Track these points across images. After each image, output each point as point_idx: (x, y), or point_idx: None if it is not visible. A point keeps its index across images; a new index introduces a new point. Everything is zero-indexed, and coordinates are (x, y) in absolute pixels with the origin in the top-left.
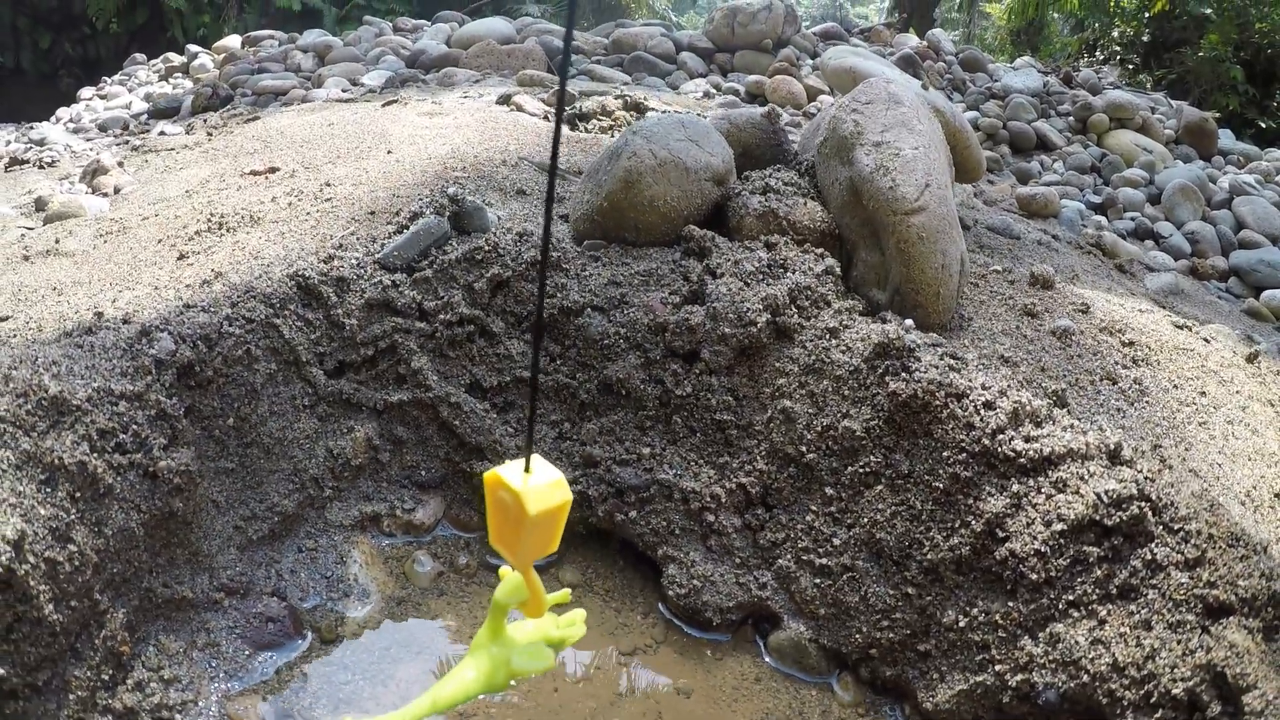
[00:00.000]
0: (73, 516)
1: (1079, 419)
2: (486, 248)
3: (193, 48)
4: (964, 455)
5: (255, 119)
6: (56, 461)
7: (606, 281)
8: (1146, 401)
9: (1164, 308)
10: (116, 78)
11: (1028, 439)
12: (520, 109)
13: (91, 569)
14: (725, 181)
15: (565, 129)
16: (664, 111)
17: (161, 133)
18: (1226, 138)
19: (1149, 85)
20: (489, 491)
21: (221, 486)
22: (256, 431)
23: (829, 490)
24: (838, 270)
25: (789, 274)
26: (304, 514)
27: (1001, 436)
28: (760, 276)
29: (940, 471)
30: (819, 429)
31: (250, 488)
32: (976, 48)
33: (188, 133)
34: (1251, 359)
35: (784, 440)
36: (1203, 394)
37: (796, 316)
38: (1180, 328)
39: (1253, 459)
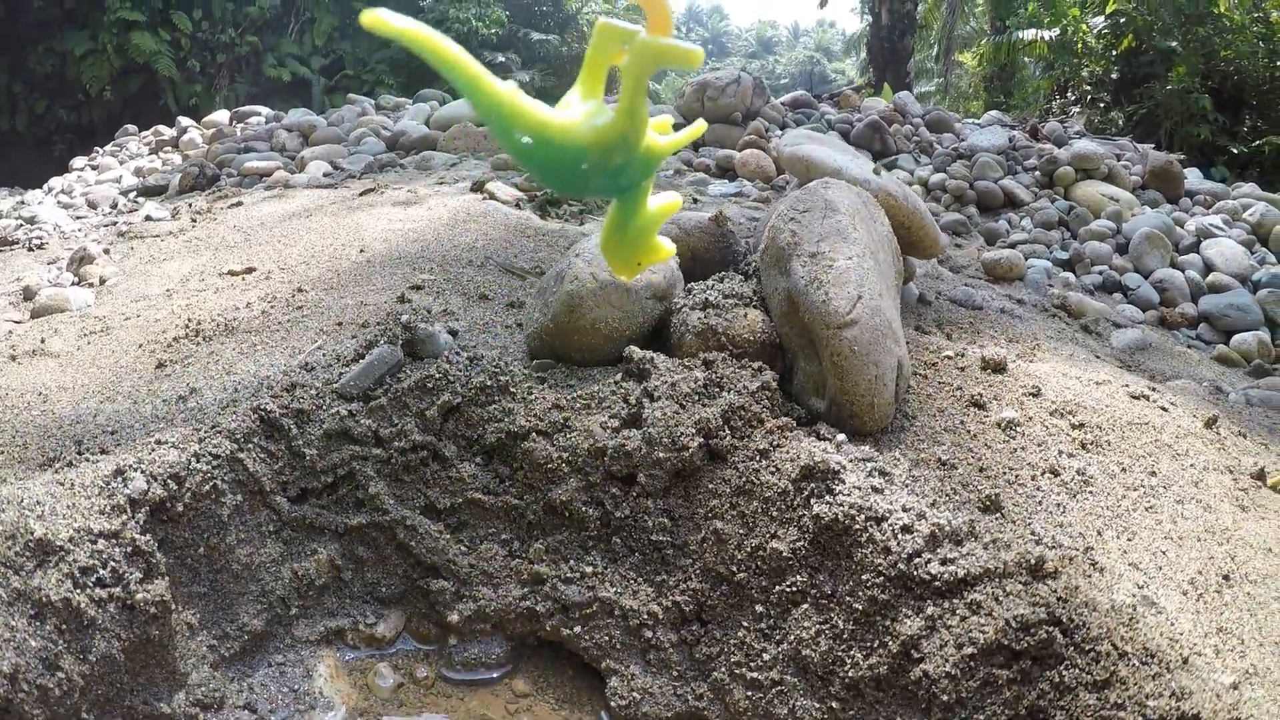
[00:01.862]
0: (60, 647)
1: (1015, 521)
2: (437, 375)
3: (183, 121)
4: (881, 579)
5: (238, 204)
6: (44, 599)
7: (550, 405)
8: (1090, 491)
9: (1129, 367)
10: (108, 148)
11: (944, 561)
12: (492, 196)
13: (78, 692)
14: (668, 296)
15: (535, 218)
16: None
17: (148, 217)
18: (1194, 177)
19: (1120, 121)
20: None
21: (195, 609)
22: (225, 559)
23: (759, 608)
24: (774, 384)
25: (725, 393)
26: (273, 631)
27: (918, 560)
28: (696, 398)
29: (860, 593)
30: (749, 549)
31: (222, 609)
32: (943, 108)
33: (173, 217)
34: (1210, 424)
35: (716, 560)
36: (1153, 473)
37: (730, 438)
38: (1137, 397)
39: (1203, 539)
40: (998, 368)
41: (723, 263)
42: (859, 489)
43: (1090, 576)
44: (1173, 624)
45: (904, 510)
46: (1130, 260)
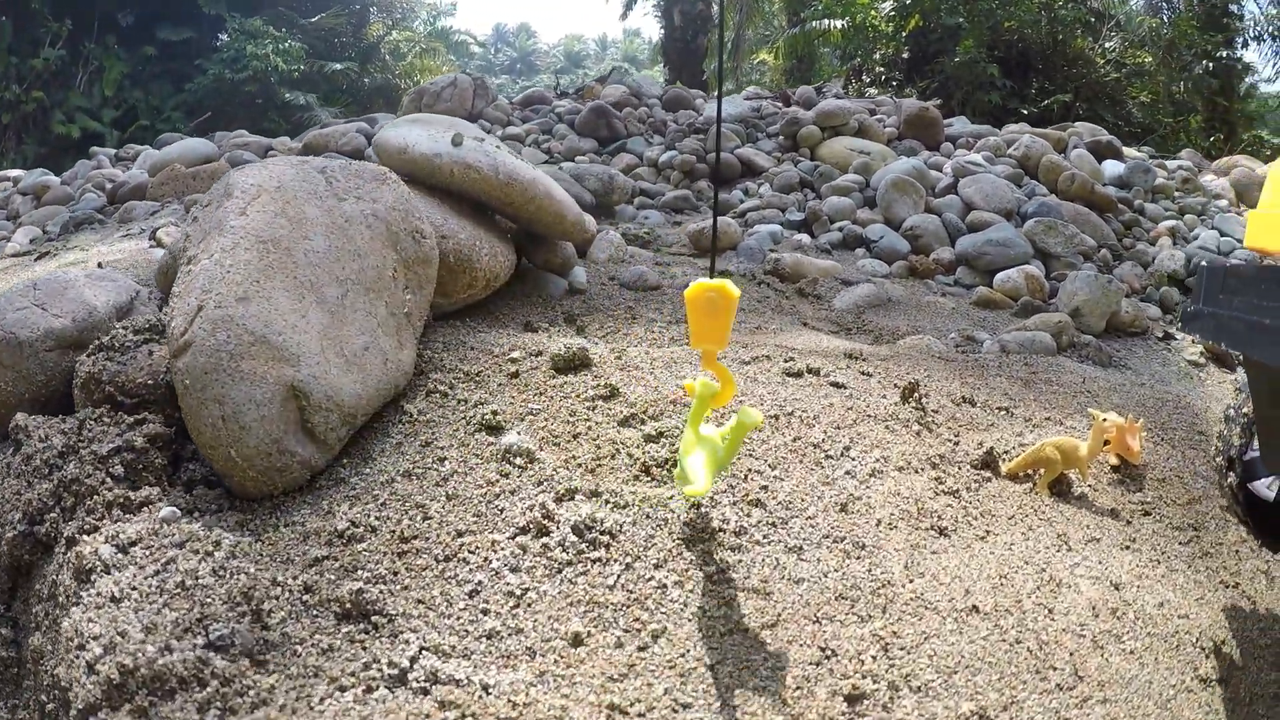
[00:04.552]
0: None
1: (387, 637)
2: None
3: None
4: None
5: None
6: None
7: None
8: (595, 559)
9: (849, 330)
10: None
11: None
12: (159, 244)
13: None
14: (87, 344)
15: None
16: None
17: None
18: (960, 123)
19: (915, 97)
20: (695, 299)
21: None
22: None
23: None
24: (141, 442)
25: (69, 463)
26: None
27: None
28: (47, 470)
29: None
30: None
31: None
32: (682, 87)
33: None
34: (908, 395)
35: (37, 683)
36: (758, 502)
37: (59, 522)
38: (796, 375)
39: (828, 620)
40: (573, 364)
41: None
42: (100, 596)
43: None
44: None
45: (113, 620)
46: (880, 212)
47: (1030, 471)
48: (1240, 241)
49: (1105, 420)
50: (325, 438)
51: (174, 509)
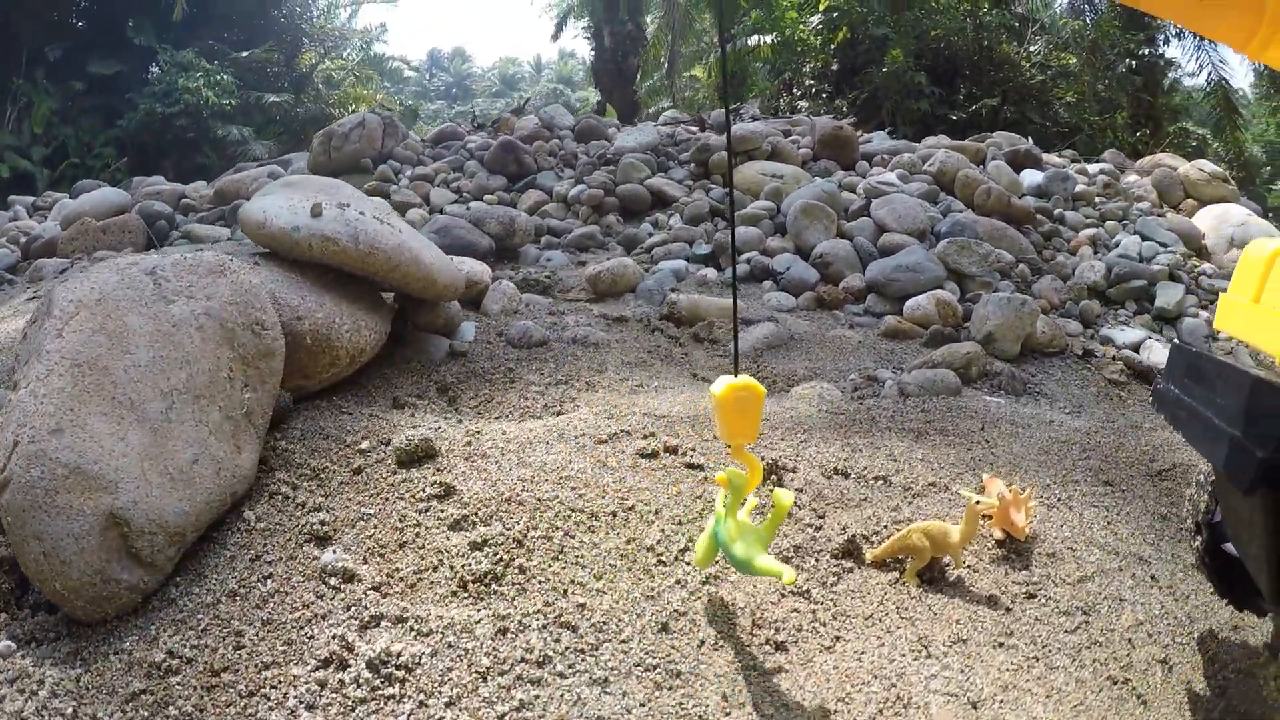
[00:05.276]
0: None
1: None
2: None
3: None
4: None
5: None
6: None
7: None
8: (398, 692)
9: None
10: None
11: None
12: None
13: None
14: None
15: None
16: None
17: None
18: (878, 139)
19: (844, 108)
20: (726, 400)
21: None
22: None
23: None
24: None
25: None
26: None
27: None
28: None
29: None
30: None
31: None
32: (595, 117)
33: None
34: (767, 476)
35: None
36: (569, 625)
37: None
38: (650, 455)
39: None
40: (416, 457)
41: None
42: None
43: None
44: None
45: None
46: (790, 239)
47: (899, 557)
48: (1162, 245)
49: (979, 502)
50: (153, 560)
51: (10, 643)
